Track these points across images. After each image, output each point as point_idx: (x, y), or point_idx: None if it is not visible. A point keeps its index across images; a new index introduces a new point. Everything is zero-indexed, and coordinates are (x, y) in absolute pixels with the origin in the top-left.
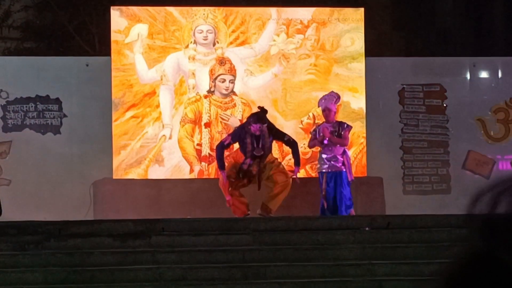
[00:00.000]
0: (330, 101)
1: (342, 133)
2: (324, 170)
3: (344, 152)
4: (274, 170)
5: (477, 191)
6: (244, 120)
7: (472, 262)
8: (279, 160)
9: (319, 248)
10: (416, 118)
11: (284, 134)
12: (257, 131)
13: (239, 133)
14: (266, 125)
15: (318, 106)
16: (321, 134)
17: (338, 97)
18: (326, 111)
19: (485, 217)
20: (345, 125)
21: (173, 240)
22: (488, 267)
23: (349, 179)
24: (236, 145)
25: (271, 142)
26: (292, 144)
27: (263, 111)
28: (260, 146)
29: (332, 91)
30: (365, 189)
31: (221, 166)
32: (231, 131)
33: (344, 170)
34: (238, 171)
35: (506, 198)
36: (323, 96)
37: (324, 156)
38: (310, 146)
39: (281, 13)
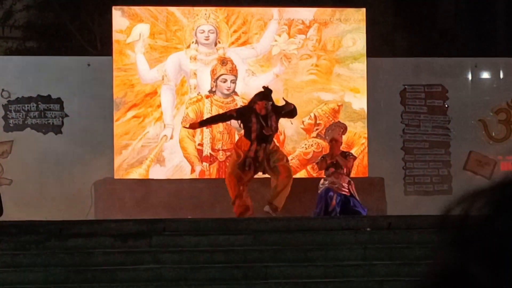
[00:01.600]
0: (336, 132)
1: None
2: (328, 186)
3: (350, 183)
4: (279, 162)
5: (447, 204)
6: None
7: (443, 279)
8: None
9: (320, 249)
10: (418, 119)
11: (286, 104)
12: (262, 109)
13: (245, 112)
14: (271, 103)
15: (325, 137)
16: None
17: (345, 128)
18: (333, 142)
19: (456, 230)
20: (350, 155)
21: (174, 240)
22: (460, 284)
23: (363, 213)
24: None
25: (277, 122)
26: (293, 110)
27: (268, 89)
28: (269, 125)
29: (339, 121)
30: (366, 190)
31: (201, 123)
32: (231, 131)
33: (351, 196)
34: (244, 160)
35: (477, 210)
36: (330, 125)
37: (327, 181)
38: (320, 168)
39: (282, 13)
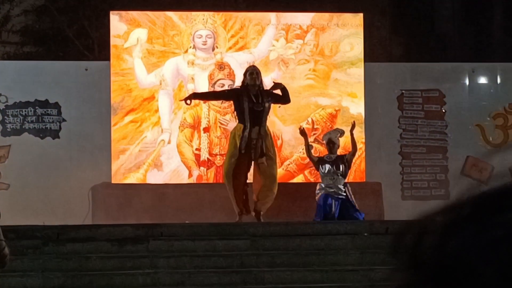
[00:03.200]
0: (334, 135)
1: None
2: (326, 193)
3: (346, 185)
4: (268, 160)
5: (402, 226)
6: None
7: None
8: (276, 151)
9: (318, 254)
10: (415, 124)
11: (275, 84)
12: (253, 80)
13: (237, 92)
14: (260, 76)
15: (322, 140)
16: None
17: (343, 132)
18: (330, 144)
19: (409, 253)
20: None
21: (171, 245)
22: None
23: (360, 218)
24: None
25: (269, 103)
26: (284, 88)
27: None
28: (259, 101)
29: (337, 128)
30: (363, 195)
31: (195, 95)
32: (229, 135)
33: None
34: (239, 145)
35: (432, 232)
36: (328, 131)
37: (324, 184)
38: (309, 155)
39: (280, 18)
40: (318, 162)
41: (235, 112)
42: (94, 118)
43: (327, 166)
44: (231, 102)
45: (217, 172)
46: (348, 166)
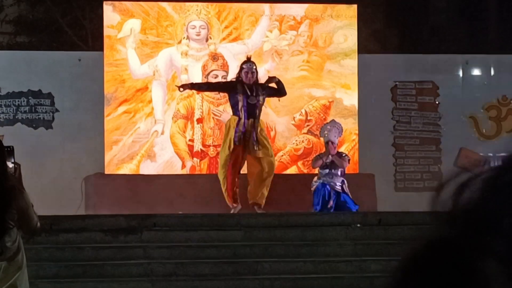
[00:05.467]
0: (333, 134)
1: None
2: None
3: (343, 182)
4: (263, 154)
5: (441, 180)
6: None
7: (430, 249)
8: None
9: (311, 245)
10: (408, 115)
11: (269, 78)
12: (249, 72)
13: (233, 84)
14: (255, 67)
15: (320, 136)
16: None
17: (342, 130)
18: (330, 144)
19: (448, 206)
20: (345, 156)
21: (164, 235)
22: (446, 254)
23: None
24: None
25: (264, 96)
26: (279, 82)
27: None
28: (254, 94)
29: (334, 120)
30: (356, 186)
31: (192, 85)
32: (223, 127)
33: (344, 193)
34: (233, 138)
35: (470, 188)
36: (326, 124)
37: (321, 180)
38: (315, 166)
39: (274, 9)
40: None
41: (229, 104)
42: (87, 109)
43: (326, 170)
44: (226, 93)
45: (210, 163)
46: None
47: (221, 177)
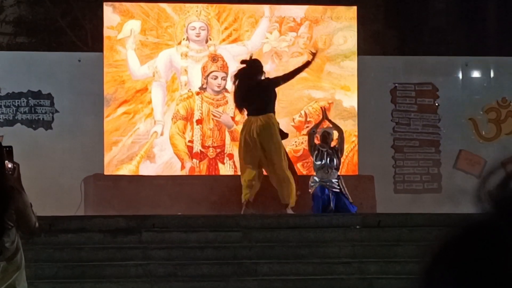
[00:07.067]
0: (329, 129)
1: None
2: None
3: (339, 178)
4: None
5: (490, 167)
6: (237, 118)
7: (470, 231)
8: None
9: (310, 246)
10: (408, 117)
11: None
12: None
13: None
14: (253, 71)
15: (317, 133)
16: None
17: (332, 136)
18: (325, 134)
19: (493, 194)
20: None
21: (163, 236)
22: (489, 236)
23: (353, 211)
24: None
25: (271, 91)
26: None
27: (253, 61)
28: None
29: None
30: (356, 188)
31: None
32: (222, 128)
33: (341, 192)
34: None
35: None
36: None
37: (317, 178)
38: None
39: (274, 11)
40: (313, 148)
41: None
42: (87, 110)
43: (322, 161)
44: (224, 95)
45: (209, 164)
46: (340, 157)
47: (241, 172)
